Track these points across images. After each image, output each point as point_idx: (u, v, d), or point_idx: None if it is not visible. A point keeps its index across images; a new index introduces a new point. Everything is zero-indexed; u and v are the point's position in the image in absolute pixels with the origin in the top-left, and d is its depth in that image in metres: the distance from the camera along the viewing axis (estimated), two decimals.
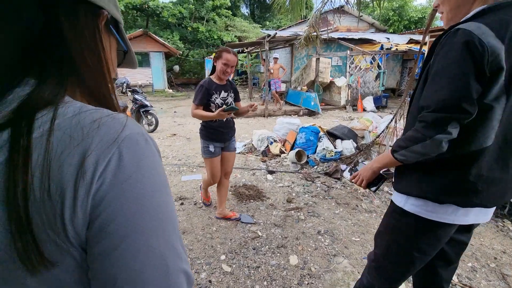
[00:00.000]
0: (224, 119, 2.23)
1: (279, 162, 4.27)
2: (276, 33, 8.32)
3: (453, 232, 0.93)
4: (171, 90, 15.30)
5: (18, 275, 0.30)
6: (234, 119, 2.40)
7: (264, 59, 9.01)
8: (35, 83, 0.33)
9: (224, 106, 2.04)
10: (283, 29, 14.84)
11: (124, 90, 6.83)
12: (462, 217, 0.86)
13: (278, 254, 2.12)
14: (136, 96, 6.07)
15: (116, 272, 0.30)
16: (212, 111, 2.14)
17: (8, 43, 0.33)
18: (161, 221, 0.34)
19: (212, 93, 2.16)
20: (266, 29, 19.56)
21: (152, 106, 6.28)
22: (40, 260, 0.29)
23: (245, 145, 5.02)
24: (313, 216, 2.67)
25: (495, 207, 0.90)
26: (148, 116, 6.14)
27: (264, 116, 8.28)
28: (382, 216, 2.69)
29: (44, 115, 0.31)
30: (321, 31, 7.19)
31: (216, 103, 2.18)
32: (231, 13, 18.90)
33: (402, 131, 3.88)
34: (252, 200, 3.02)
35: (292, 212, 2.76)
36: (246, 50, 11.79)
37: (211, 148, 2.29)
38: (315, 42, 6.92)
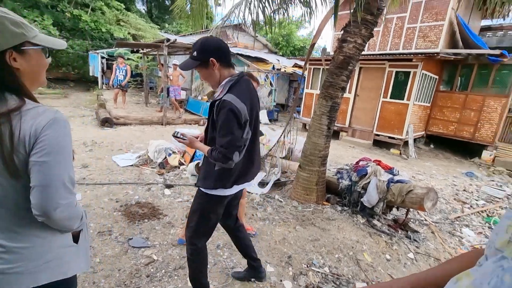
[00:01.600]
0: None
1: (177, 174, 4.10)
2: (176, 39, 8.04)
3: (228, 200, 1.68)
4: None
5: (4, 180, 0.75)
6: None
7: (162, 64, 8.51)
8: (7, 99, 0.75)
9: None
10: (184, 35, 14.50)
11: None
12: (230, 190, 1.59)
13: (175, 277, 2.01)
14: None
15: (43, 170, 0.75)
16: None
17: None
18: (66, 153, 0.79)
19: None
20: (165, 32, 18.60)
21: None
22: (15, 171, 0.74)
23: (140, 157, 4.56)
24: None
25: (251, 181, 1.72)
26: None
27: (162, 124, 7.77)
28: (274, 223, 2.98)
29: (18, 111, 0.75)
30: None
31: None
32: (123, 7, 16.96)
33: (289, 144, 4.42)
34: (146, 220, 2.76)
35: None
36: (142, 51, 10.83)
37: None
38: None
